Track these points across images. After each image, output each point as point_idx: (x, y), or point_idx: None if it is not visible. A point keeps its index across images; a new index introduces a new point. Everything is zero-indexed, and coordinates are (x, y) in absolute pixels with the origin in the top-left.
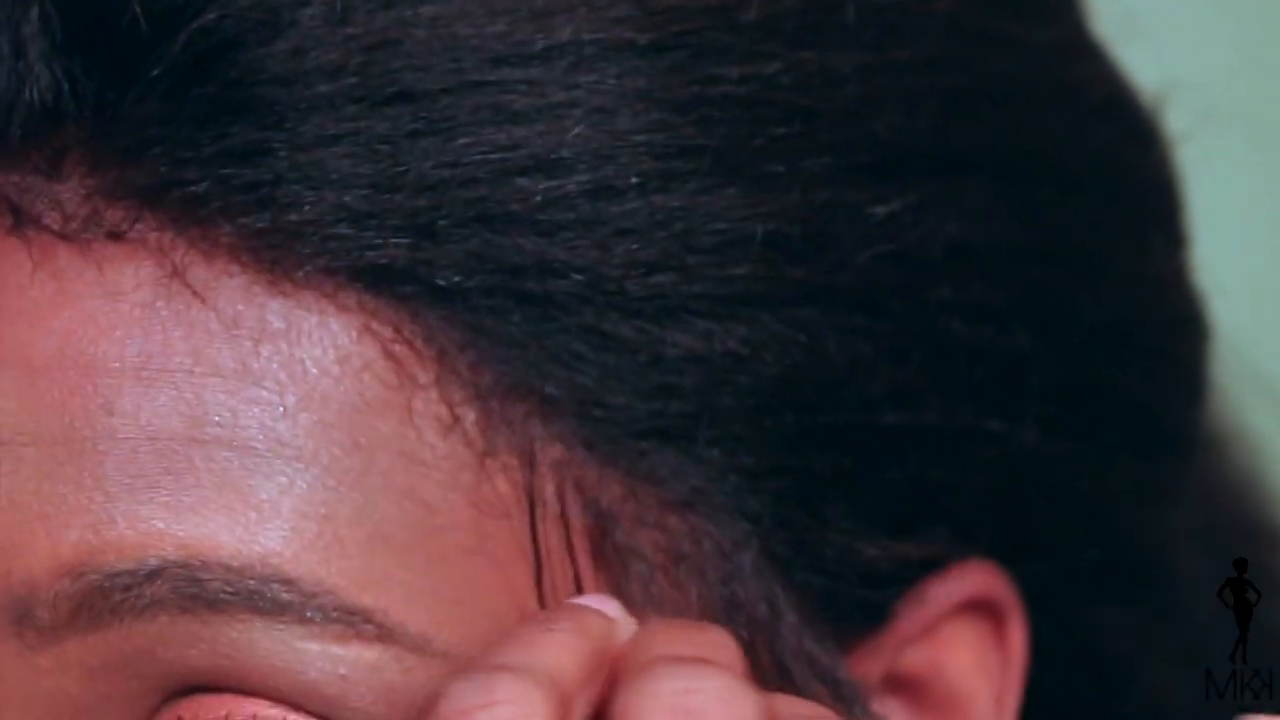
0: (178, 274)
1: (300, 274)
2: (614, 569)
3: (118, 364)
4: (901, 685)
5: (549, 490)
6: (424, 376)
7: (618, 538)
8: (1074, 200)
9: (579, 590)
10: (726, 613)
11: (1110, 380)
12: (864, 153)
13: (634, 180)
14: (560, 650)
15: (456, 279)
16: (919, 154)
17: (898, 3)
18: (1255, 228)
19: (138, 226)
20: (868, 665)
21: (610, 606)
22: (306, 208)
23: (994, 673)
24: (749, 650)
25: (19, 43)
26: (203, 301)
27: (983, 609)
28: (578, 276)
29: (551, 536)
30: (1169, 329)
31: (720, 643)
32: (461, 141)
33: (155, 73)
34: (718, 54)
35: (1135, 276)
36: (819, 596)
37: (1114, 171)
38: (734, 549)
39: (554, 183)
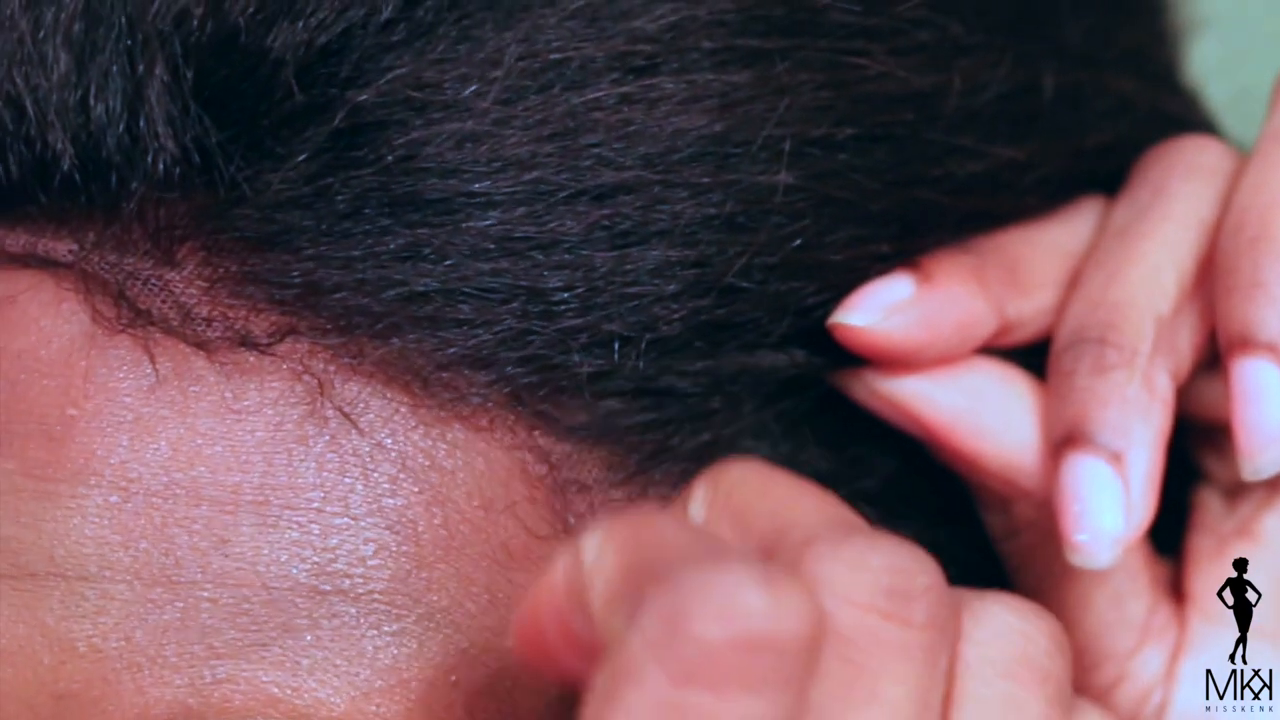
0: (324, 392)
1: (453, 401)
2: None
3: (235, 495)
4: None
5: None
6: (576, 519)
7: None
8: None
9: None
10: None
11: None
12: None
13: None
14: None
15: (634, 406)
16: None
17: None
18: None
19: (287, 340)
20: None
21: None
22: (480, 329)
23: None
24: None
25: (138, 98)
26: (355, 427)
27: None
28: None
29: None
30: None
31: None
32: (655, 251)
33: (305, 153)
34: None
35: None
36: None
37: None
38: None
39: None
